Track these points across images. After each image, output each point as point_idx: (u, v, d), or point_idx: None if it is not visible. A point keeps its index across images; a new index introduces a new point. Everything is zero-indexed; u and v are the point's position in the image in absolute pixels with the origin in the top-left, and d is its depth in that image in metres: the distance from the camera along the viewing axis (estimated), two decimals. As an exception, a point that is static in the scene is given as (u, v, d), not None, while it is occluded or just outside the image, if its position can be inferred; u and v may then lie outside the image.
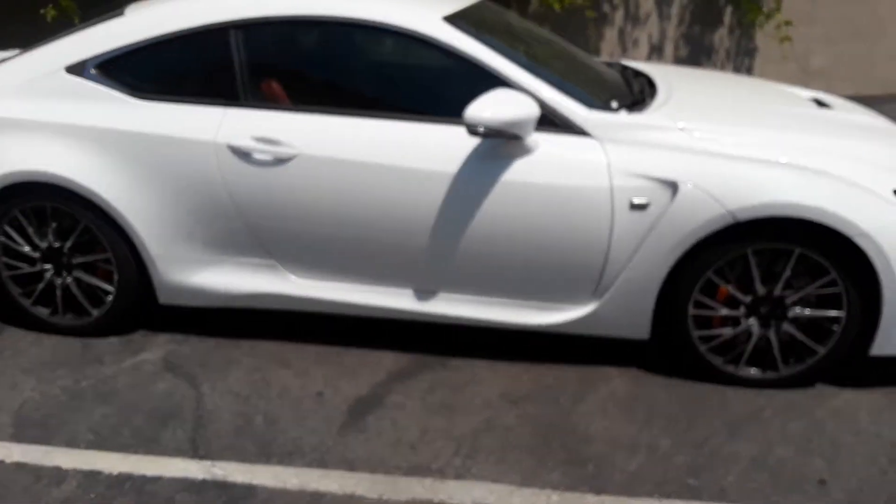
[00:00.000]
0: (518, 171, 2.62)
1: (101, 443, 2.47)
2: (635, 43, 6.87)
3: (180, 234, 2.88)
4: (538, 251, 2.67)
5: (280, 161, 2.72)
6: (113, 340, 3.08)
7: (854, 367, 2.76)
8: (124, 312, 3.05)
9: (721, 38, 7.00)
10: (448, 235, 2.70)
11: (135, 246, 2.90)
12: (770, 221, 2.51)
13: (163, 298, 3.01)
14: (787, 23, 6.32)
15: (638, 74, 3.49)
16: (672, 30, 6.87)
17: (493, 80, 2.67)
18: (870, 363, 2.69)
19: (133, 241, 2.88)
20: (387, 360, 2.94)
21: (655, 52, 6.90)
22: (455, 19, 2.80)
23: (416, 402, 2.68)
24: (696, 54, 6.91)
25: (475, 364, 2.91)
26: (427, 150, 2.66)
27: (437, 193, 2.66)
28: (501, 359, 2.94)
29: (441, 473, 2.33)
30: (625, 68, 3.62)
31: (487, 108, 2.50)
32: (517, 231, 2.66)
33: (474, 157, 2.65)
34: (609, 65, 3.63)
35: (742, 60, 7.17)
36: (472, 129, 2.51)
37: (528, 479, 2.30)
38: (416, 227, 2.71)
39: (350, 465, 2.37)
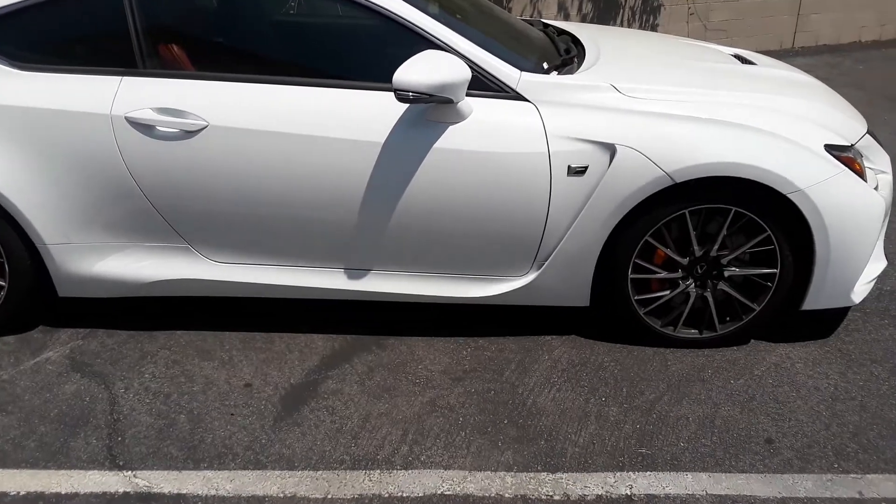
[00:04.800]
0: (450, 138, 2.47)
1: (4, 459, 2.20)
2: (544, 1, 6.77)
3: (78, 219, 2.58)
4: (474, 221, 2.54)
5: (187, 134, 2.45)
6: (8, 340, 2.76)
7: (786, 321, 2.81)
8: (19, 308, 2.74)
9: (626, -6, 7.02)
10: (377, 209, 2.53)
11: (26, 234, 2.58)
12: (707, 181, 2.48)
13: (63, 291, 2.71)
14: (694, -21, 6.39)
15: (561, 33, 3.38)
16: (578, -13, 6.83)
17: (419, 42, 2.49)
18: (801, 317, 2.73)
19: (24, 228, 2.56)
20: (317, 344, 2.76)
21: (561, 11, 6.84)
22: (374, -26, 2.59)
23: (353, 386, 2.53)
24: (602, 13, 6.90)
25: (411, 342, 2.78)
26: (351, 118, 2.47)
27: (363, 164, 2.48)
28: (438, 334, 2.82)
29: (388, 464, 2.20)
30: (546, 26, 3.51)
31: (416, 70, 2.32)
32: (451, 201, 2.51)
33: (402, 125, 2.48)
34: (529, 23, 3.50)
35: (648, 18, 7.23)
36: (401, 95, 2.33)
37: (479, 462, 2.21)
38: (342, 200, 2.52)
39: (289, 463, 2.20)
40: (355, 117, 2.47)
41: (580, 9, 6.91)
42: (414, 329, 2.84)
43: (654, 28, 7.23)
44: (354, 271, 2.69)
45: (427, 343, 2.77)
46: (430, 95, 2.34)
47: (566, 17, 6.82)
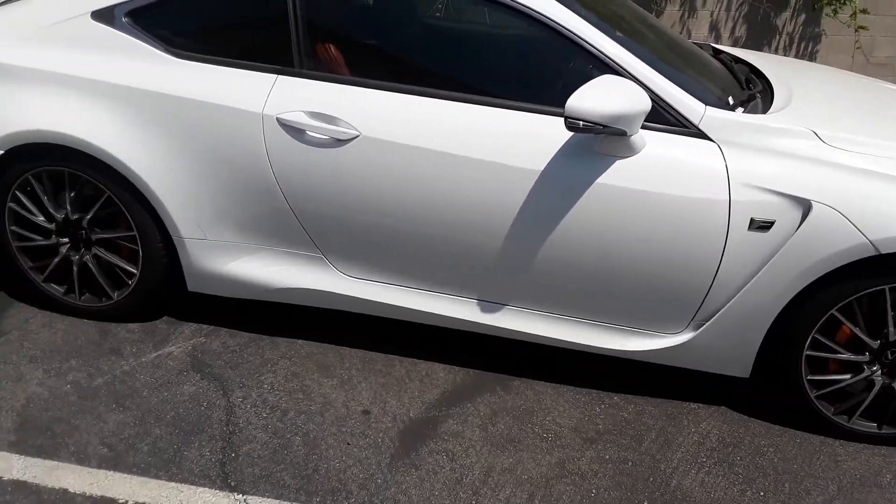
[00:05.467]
0: (617, 173, 2.21)
1: (116, 461, 2.13)
2: (694, 19, 6.34)
3: (216, 215, 2.50)
4: (633, 266, 2.27)
5: (338, 142, 2.32)
6: (133, 328, 2.73)
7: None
8: (148, 297, 2.70)
9: (786, 21, 6.46)
10: (525, 240, 2.31)
11: (164, 224, 2.53)
12: (914, 257, 2.11)
13: (192, 285, 2.65)
14: (864, 11, 5.82)
15: (737, 61, 3.05)
16: (734, 8, 6.34)
17: (596, 64, 2.24)
18: None
19: (162, 218, 2.51)
20: (439, 375, 2.58)
21: (713, 32, 6.39)
22: (551, -14, 2.37)
23: (475, 431, 2.33)
24: (757, 36, 6.38)
25: (539, 388, 2.54)
26: (513, 141, 2.25)
27: (521, 192, 2.26)
28: (568, 383, 2.57)
29: (512, 532, 1.98)
30: (717, 52, 3.18)
31: (592, 97, 2.07)
32: (609, 241, 2.26)
33: (565, 154, 2.24)
34: (699, 46, 3.18)
35: (807, 46, 6.65)
36: (571, 123, 2.09)
37: (614, 547, 1.95)
38: (492, 228, 2.31)
39: (404, 512, 2.03)
40: (514, 140, 2.26)
41: (733, 31, 6.44)
42: (542, 373, 2.61)
43: (812, 57, 6.64)
44: (489, 304, 2.48)
45: (556, 391, 2.53)
46: (603, 126, 2.09)
47: (717, 39, 6.37)
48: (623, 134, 2.14)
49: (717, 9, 6.31)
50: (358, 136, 2.30)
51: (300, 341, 2.72)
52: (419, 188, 2.30)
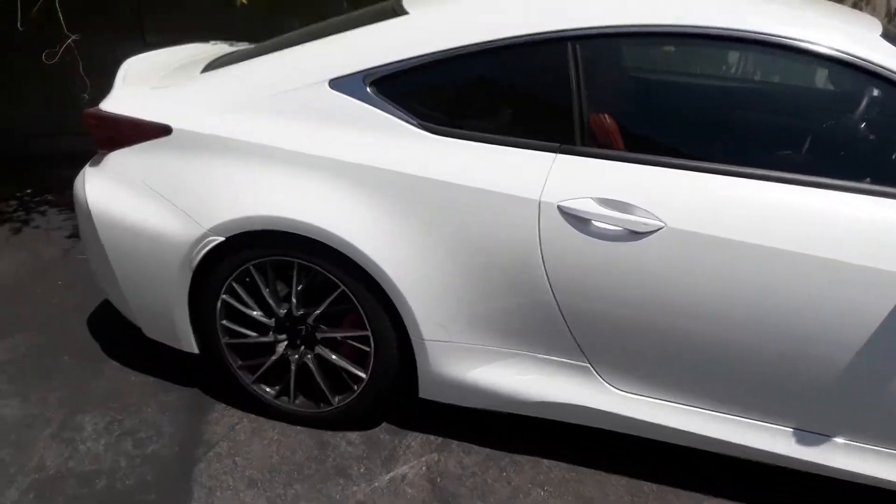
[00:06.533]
0: None
1: None
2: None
3: (466, 315, 2.11)
4: None
5: (633, 234, 1.88)
6: (353, 439, 2.36)
7: None
8: (373, 405, 2.33)
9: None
10: (882, 360, 1.81)
11: (403, 324, 2.15)
12: None
13: (426, 392, 2.26)
14: None
15: None
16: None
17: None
18: None
19: (403, 318, 2.14)
20: (730, 514, 2.08)
21: None
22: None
23: None
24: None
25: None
26: (876, 239, 1.77)
27: (881, 301, 1.77)
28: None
29: None
30: None
31: None
32: None
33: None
34: None
35: None
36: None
37: None
38: (838, 343, 1.82)
39: None
40: (882, 238, 1.77)
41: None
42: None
43: None
44: (809, 435, 1.98)
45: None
46: None
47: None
48: None
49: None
50: (661, 227, 1.86)
51: (545, 461, 2.28)
52: (742, 292, 1.84)
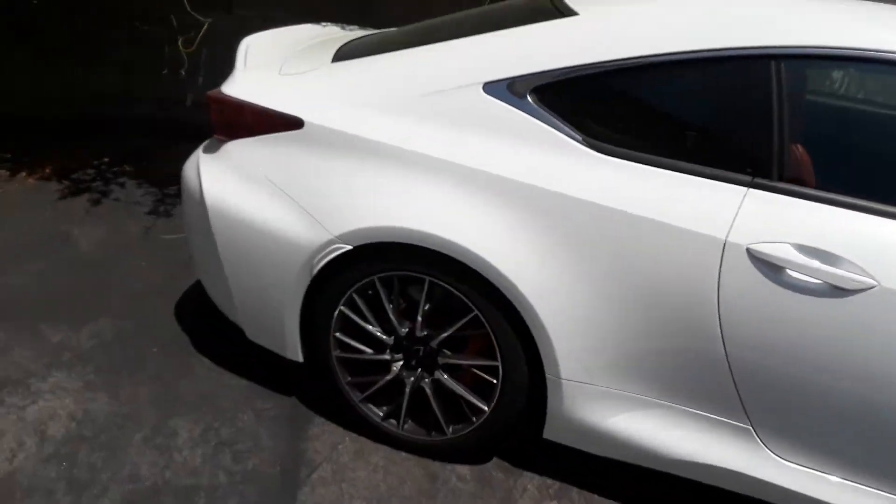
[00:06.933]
0: None
1: None
2: None
3: (615, 355, 1.88)
4: None
5: (836, 290, 1.64)
6: (464, 473, 2.16)
7: None
8: (489, 439, 2.13)
9: None
10: None
11: (538, 358, 1.94)
12: None
13: (551, 433, 2.05)
14: None
15: None
16: None
17: None
18: None
19: (540, 352, 1.92)
20: None
21: None
22: None
23: None
24: None
25: None
26: None
27: None
28: None
29: None
30: None
31: None
32: None
33: None
34: None
35: None
36: None
37: None
38: None
39: None
40: None
41: None
42: None
43: None
44: None
45: None
46: None
47: None
48: None
49: None
50: (874, 287, 1.61)
51: (677, 518, 2.06)
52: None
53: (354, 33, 2.85)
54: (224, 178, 2.18)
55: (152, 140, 4.45)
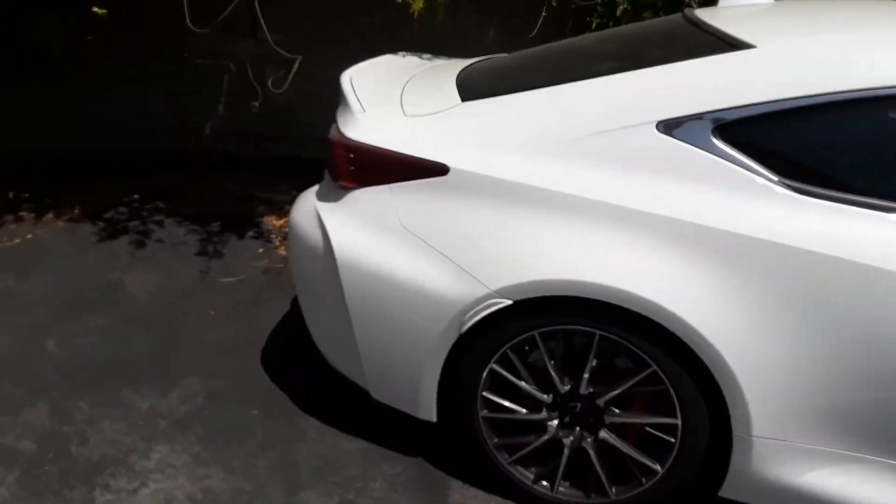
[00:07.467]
0: None
1: None
2: None
3: (812, 408, 1.75)
4: None
5: None
6: (628, 537, 2.01)
7: None
8: (660, 499, 1.98)
9: None
10: None
11: (725, 415, 1.80)
12: None
13: (730, 491, 1.89)
14: None
15: None
16: None
17: None
18: None
19: (729, 409, 1.77)
20: None
21: None
22: None
23: None
24: None
25: None
26: None
27: None
28: None
29: None
30: None
31: None
32: None
33: None
34: None
35: None
36: None
37: None
38: None
39: None
40: None
41: None
42: None
43: None
44: None
45: None
46: None
47: None
48: None
49: None
50: None
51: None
52: None
53: (439, 61, 2.70)
54: (353, 228, 2.00)
55: (170, 174, 4.18)
